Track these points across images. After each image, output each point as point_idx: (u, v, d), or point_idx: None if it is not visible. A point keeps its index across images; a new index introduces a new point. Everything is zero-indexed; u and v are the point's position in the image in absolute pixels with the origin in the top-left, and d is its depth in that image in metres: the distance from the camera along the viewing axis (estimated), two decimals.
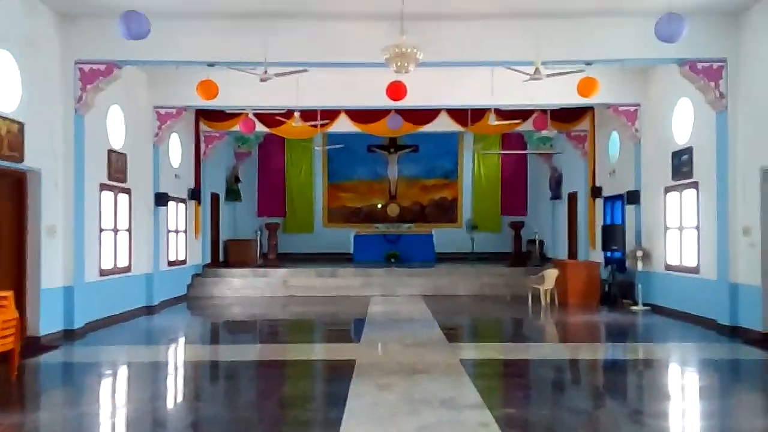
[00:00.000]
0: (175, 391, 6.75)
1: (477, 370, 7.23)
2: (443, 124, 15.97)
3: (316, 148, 16.80)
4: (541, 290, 13.47)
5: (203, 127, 16.11)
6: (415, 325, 10.57)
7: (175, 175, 14.66)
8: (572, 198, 18.10)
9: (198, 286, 15.71)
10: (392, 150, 22.10)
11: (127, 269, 12.08)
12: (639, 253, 12.79)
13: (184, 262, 15.27)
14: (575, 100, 12.91)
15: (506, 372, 7.27)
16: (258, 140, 19.79)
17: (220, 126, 15.89)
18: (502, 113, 14.98)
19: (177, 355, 8.86)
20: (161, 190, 13.28)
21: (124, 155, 11.92)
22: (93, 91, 10.03)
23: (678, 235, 11.76)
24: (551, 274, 13.51)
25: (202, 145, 16.31)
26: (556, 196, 19.38)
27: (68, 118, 9.85)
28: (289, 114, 15.35)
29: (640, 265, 12.79)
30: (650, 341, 9.75)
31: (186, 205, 15.41)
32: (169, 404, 6.12)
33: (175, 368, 7.88)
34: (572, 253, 17.93)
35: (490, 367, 7.58)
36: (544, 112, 15.21)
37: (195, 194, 15.77)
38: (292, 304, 14.23)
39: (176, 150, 14.89)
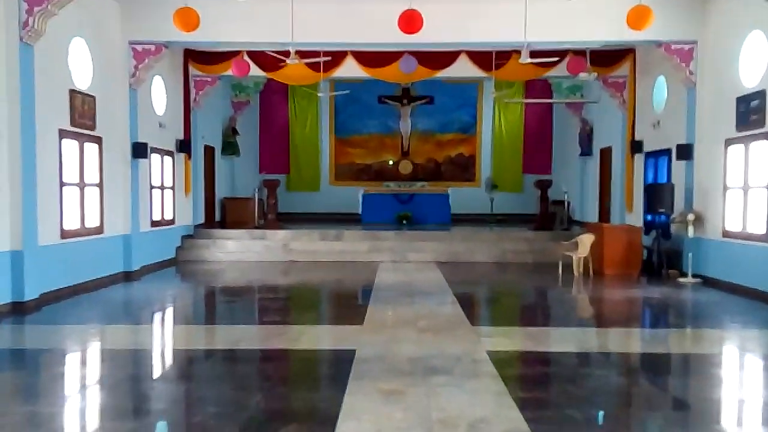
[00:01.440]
0: (129, 401, 5.15)
1: (511, 369, 5.57)
2: (463, 69, 14.11)
3: (320, 94, 14.99)
4: (573, 258, 11.76)
5: (193, 71, 14.32)
6: (429, 300, 8.94)
7: (159, 124, 12.95)
8: (605, 154, 16.24)
9: (188, 248, 14.14)
10: (405, 101, 20.17)
11: (99, 230, 10.49)
12: (690, 217, 11.01)
13: (171, 221, 13.67)
14: (621, 35, 11.08)
15: (549, 373, 5.56)
16: (257, 88, 17.96)
17: (210, 69, 14.08)
18: (532, 55, 13.06)
19: (141, 339, 7.13)
20: (141, 140, 11.58)
21: (92, 98, 10.20)
22: (42, 16, 8.27)
23: (741, 196, 9.94)
24: (586, 240, 11.78)
25: (192, 92, 14.54)
26: (586, 152, 17.50)
27: (11, 47, 8.09)
28: (288, 54, 13.53)
29: (691, 231, 11.02)
30: (723, 326, 7.76)
31: (173, 158, 13.73)
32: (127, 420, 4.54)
33: (131, 361, 6.26)
34: (603, 216, 16.16)
35: (527, 364, 5.88)
36: (579, 53, 13.27)
37: (184, 146, 14.07)
38: (292, 271, 12.64)
39: (160, 95, 13.15)
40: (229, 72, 13.67)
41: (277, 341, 6.52)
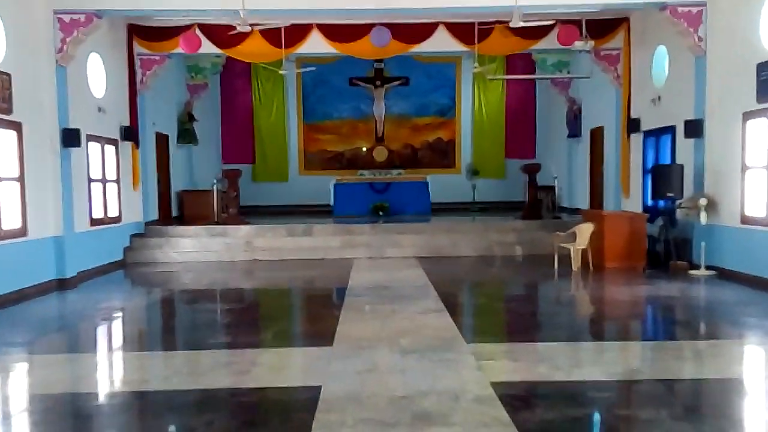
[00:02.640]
0: None
1: (528, 413, 4.11)
2: (442, 43, 12.70)
3: (281, 72, 13.42)
4: (571, 250, 10.47)
5: (139, 49, 12.70)
6: (412, 307, 7.54)
7: (99, 108, 11.32)
8: (596, 135, 14.98)
9: (138, 249, 12.56)
10: (378, 83, 18.76)
11: (21, 232, 8.89)
12: (702, 202, 9.76)
13: (117, 219, 12.07)
14: None
15: (580, 418, 4.10)
16: (216, 70, 16.31)
17: (158, 47, 12.48)
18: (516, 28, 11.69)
19: (34, 379, 5.57)
20: (72, 126, 9.95)
21: (7, 76, 8.57)
22: None
23: (765, 176, 8.70)
24: (585, 230, 10.48)
25: (138, 72, 12.90)
26: (573, 133, 16.25)
27: None
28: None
29: (703, 218, 9.78)
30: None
31: (117, 147, 12.10)
32: None
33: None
34: (595, 202, 14.94)
35: (548, 403, 4.29)
36: (568, 22, 11.91)
37: (130, 134, 12.45)
38: (254, 272, 11.19)
39: (99, 76, 11.51)
40: (179, 50, 12.08)
41: (220, 375, 5.04)
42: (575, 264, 10.43)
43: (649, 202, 11.99)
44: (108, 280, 10.62)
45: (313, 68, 15.69)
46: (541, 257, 11.70)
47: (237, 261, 12.26)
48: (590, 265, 10.48)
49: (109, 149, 11.79)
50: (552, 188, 15.54)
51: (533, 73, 17.04)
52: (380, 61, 17.93)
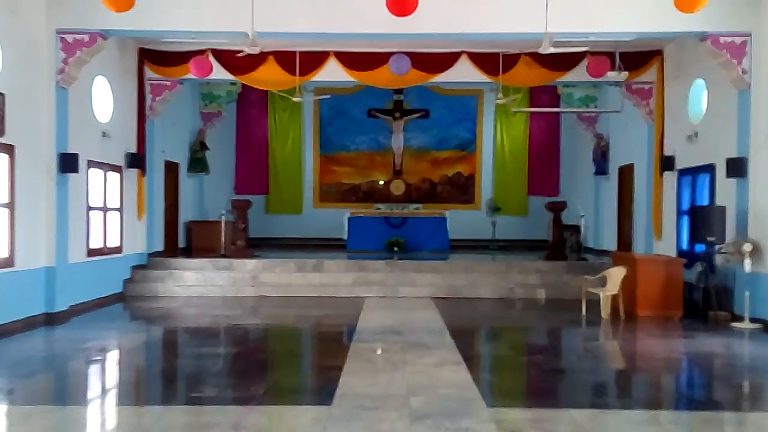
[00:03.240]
0: None
1: None
2: (464, 73, 12.15)
3: (295, 99, 12.84)
4: (601, 296, 9.63)
5: (150, 74, 12.27)
6: (426, 358, 6.76)
7: (103, 133, 10.83)
8: (625, 173, 14.21)
9: (139, 281, 11.93)
10: (397, 115, 18.10)
11: (8, 263, 8.29)
12: (746, 247, 8.91)
13: (117, 250, 11.47)
14: (658, 26, 9.16)
15: None
16: (230, 98, 15.89)
17: (169, 71, 12.07)
18: (542, 58, 11.10)
19: None
20: (71, 150, 9.42)
21: (1, 96, 8.08)
22: None
23: None
24: (616, 274, 9.66)
25: (148, 98, 12.44)
26: (600, 170, 15.48)
27: None
28: (262, 56, 11.55)
29: (747, 265, 8.91)
30: None
31: (121, 174, 11.58)
32: None
33: None
34: (623, 243, 14.09)
35: None
36: (599, 53, 11.25)
37: (136, 161, 11.94)
38: (258, 310, 10.46)
39: (105, 100, 11.05)
40: (191, 75, 11.64)
41: None
42: (605, 311, 9.58)
43: (685, 245, 11.16)
44: (102, 315, 9.95)
45: (328, 96, 15.14)
46: (566, 302, 10.89)
47: (242, 297, 11.58)
48: (621, 312, 9.63)
49: (113, 176, 11.27)
50: (577, 228, 14.70)
51: (558, 104, 16.41)
52: (400, 92, 17.43)
